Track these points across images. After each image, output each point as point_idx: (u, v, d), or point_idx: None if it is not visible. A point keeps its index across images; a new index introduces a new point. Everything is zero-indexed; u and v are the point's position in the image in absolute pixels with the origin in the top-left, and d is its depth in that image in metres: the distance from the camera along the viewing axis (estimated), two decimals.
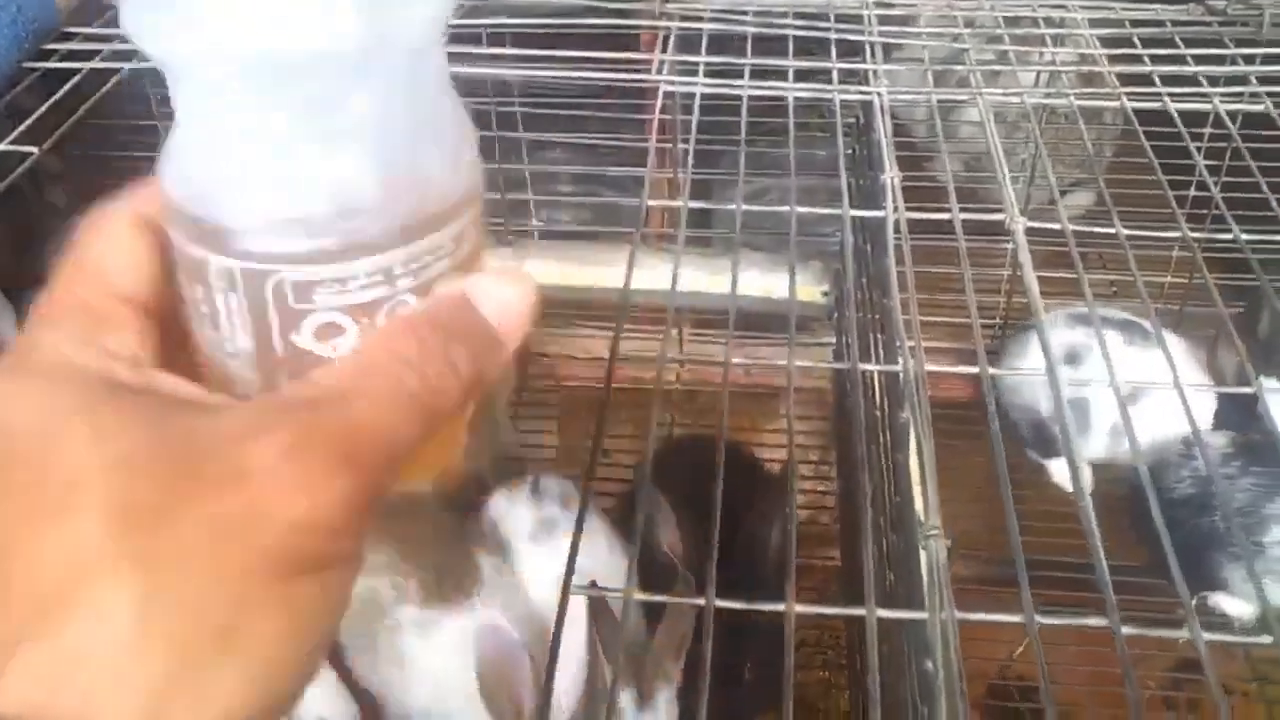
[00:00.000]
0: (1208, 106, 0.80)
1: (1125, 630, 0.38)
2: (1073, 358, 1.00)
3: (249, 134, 0.27)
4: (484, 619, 0.77)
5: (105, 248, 0.29)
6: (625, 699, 0.71)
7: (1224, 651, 1.05)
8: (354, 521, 0.25)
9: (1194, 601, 0.40)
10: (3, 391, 0.26)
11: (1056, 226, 0.63)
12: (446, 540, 0.87)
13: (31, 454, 0.24)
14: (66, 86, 0.89)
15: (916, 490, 0.49)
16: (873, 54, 0.85)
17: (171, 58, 0.27)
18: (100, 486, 0.24)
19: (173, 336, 0.29)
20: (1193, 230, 0.67)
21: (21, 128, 0.83)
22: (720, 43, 0.93)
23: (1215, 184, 0.76)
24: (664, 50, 0.89)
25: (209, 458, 0.24)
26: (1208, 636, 0.38)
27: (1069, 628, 0.39)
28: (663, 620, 0.74)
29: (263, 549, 0.24)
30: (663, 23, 0.92)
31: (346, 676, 0.83)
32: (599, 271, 1.14)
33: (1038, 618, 0.38)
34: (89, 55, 0.91)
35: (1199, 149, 0.80)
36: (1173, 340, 0.96)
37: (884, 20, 0.90)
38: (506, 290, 0.29)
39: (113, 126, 1.20)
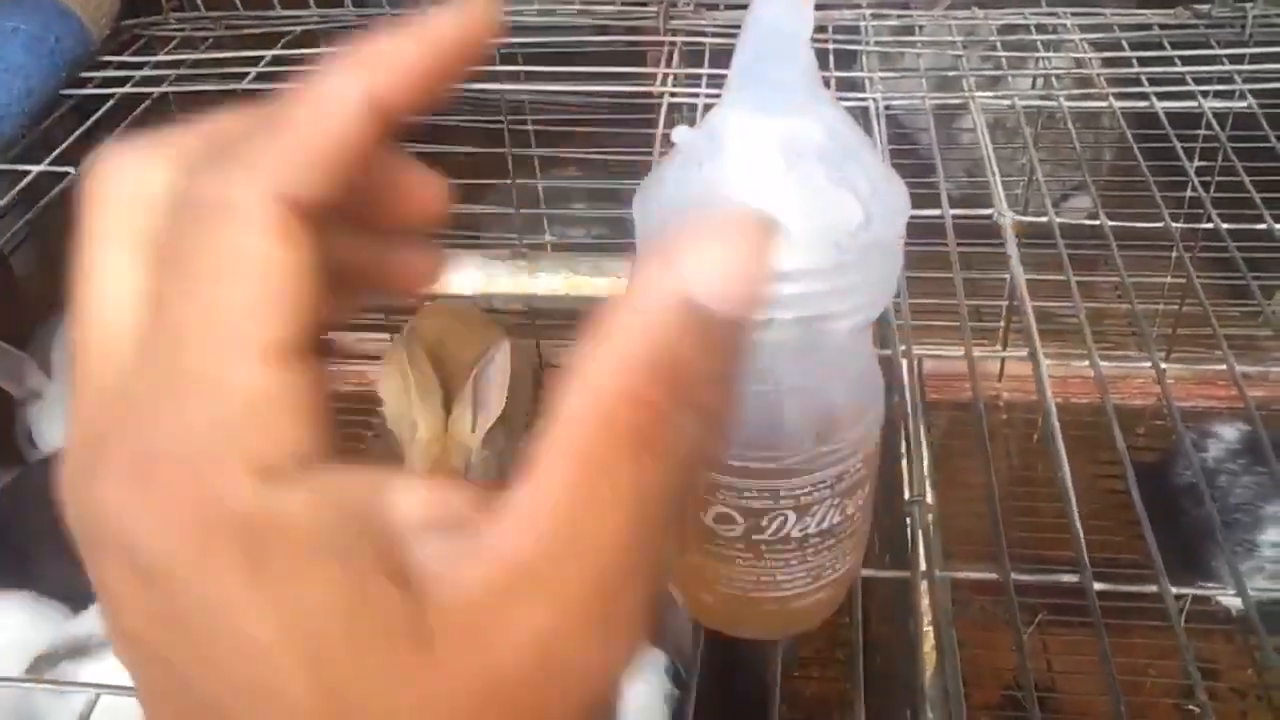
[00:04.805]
0: (1196, 105, 0.82)
1: (1097, 586, 0.40)
2: None
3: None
4: None
5: None
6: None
7: (1232, 657, 1.05)
8: None
9: (1175, 592, 0.42)
10: None
11: (1044, 220, 0.66)
12: None
13: None
14: (100, 111, 0.93)
15: (905, 468, 0.51)
16: (869, 62, 0.88)
17: None
18: None
19: None
20: (1184, 228, 0.69)
21: (58, 150, 0.87)
22: (723, 57, 0.96)
23: (1208, 184, 0.78)
24: (669, 65, 0.92)
25: None
26: (1176, 591, 0.41)
27: (1042, 584, 0.42)
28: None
29: None
30: (668, 38, 0.96)
31: None
32: (610, 282, 1.18)
33: (1014, 574, 0.40)
34: (121, 82, 0.95)
35: (1193, 149, 0.81)
36: None
37: (880, 31, 0.93)
38: None
39: None
